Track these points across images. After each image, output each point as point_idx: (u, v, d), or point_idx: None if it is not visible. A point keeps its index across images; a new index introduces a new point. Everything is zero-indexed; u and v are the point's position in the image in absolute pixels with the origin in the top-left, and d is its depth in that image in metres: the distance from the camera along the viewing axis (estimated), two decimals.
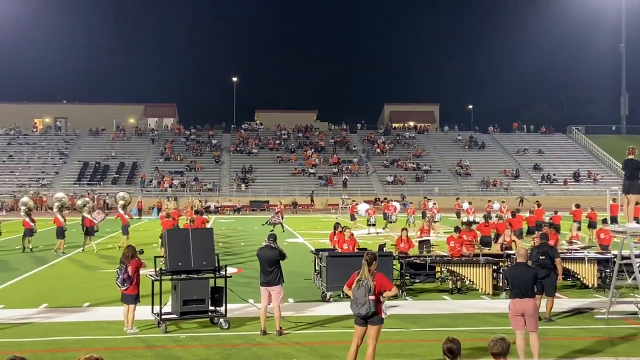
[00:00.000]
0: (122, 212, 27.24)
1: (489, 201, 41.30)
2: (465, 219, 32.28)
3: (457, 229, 18.31)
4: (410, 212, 36.88)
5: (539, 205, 30.50)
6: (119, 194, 34.05)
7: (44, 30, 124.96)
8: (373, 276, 9.27)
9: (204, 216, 27.18)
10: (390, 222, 36.65)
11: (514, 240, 19.37)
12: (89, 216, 26.39)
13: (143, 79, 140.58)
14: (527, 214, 28.93)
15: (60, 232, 25.41)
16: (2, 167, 66.11)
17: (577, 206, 29.86)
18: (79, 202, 30.96)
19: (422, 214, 36.93)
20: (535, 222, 27.42)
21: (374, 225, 34.13)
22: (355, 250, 16.41)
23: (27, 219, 26.19)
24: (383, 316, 9.50)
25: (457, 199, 43.65)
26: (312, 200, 58.00)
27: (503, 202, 39.02)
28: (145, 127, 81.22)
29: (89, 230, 25.85)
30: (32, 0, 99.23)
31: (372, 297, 9.10)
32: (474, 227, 20.91)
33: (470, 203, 40.16)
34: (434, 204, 38.81)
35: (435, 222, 35.12)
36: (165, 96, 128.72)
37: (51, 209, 42.42)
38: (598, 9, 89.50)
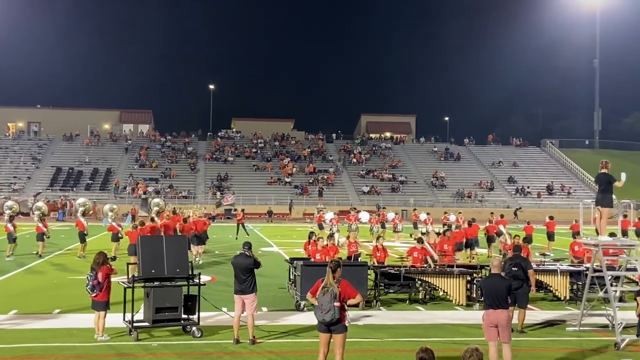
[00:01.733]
0: (82, 219, 26.85)
1: (445, 212, 41.88)
2: (423, 229, 33.08)
3: (420, 240, 18.42)
4: (373, 221, 37.79)
5: (502, 217, 30.95)
6: (79, 200, 33.83)
7: (20, 34, 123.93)
8: (338, 283, 9.31)
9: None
10: (352, 231, 37.25)
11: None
12: (113, 223, 26.07)
13: (119, 85, 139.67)
14: (487, 224, 29.41)
15: (82, 236, 25.33)
16: None
17: (551, 218, 30.30)
18: (106, 207, 30.81)
19: (413, 225, 37.91)
20: (494, 231, 28.09)
21: (338, 231, 34.49)
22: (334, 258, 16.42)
23: (40, 224, 25.91)
24: (346, 324, 9.53)
25: (414, 209, 44.04)
26: (290, 210, 57.89)
27: (460, 212, 39.49)
28: (120, 133, 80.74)
29: (81, 236, 25.58)
30: (7, 4, 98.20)
31: (337, 304, 9.16)
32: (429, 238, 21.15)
33: (428, 214, 40.96)
34: (396, 214, 39.92)
35: (397, 231, 36.83)
36: (141, 102, 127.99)
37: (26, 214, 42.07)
38: (573, 26, 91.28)
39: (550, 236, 29.51)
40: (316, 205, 54.77)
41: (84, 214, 27.38)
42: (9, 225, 25.92)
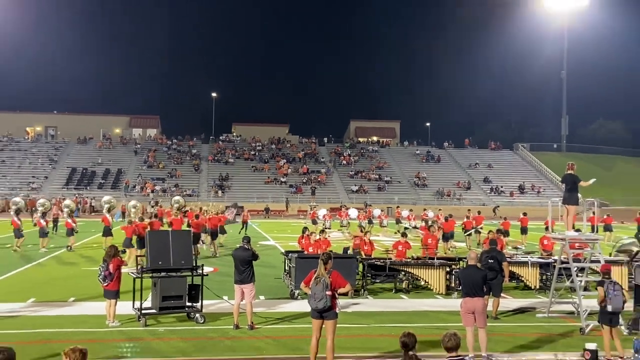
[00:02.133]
0: (107, 215, 26.78)
1: (425, 209, 42.22)
2: (406, 225, 33.47)
3: (404, 235, 18.42)
4: (361, 217, 38.50)
5: (479, 213, 31.55)
6: (104, 198, 33.64)
7: (38, 44, 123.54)
8: (329, 274, 9.33)
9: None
10: (343, 226, 37.82)
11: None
12: (136, 219, 25.92)
13: (129, 93, 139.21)
14: (464, 219, 30.06)
15: (107, 231, 25.20)
16: None
17: (524, 214, 30.95)
18: (131, 203, 30.66)
19: (396, 221, 38.35)
20: (471, 226, 28.80)
21: (329, 228, 34.73)
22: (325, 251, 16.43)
23: (69, 220, 25.82)
24: (337, 311, 9.54)
25: (397, 207, 44.18)
26: (287, 207, 57.75)
27: (439, 210, 39.75)
28: (130, 136, 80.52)
29: (107, 231, 25.36)
30: (27, 18, 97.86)
31: (328, 293, 9.19)
32: (413, 231, 21.33)
33: (410, 210, 41.42)
34: (382, 211, 40.38)
35: (382, 226, 37.42)
36: (149, 108, 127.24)
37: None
38: (543, 41, 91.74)
39: (524, 230, 30.03)
40: (309, 203, 54.80)
41: (109, 211, 27.27)
42: (42, 221, 25.87)
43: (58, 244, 26.67)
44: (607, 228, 32.37)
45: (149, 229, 19.32)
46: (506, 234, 24.74)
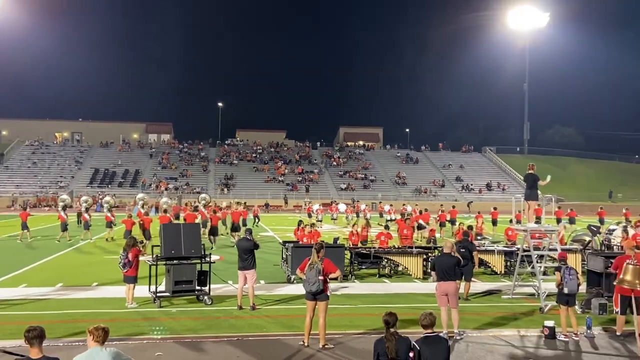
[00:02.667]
0: (142, 210, 26.61)
1: (404, 204, 42.47)
2: (388, 218, 33.84)
3: (386, 227, 18.47)
4: (349, 211, 38.82)
5: (453, 207, 32.08)
6: (138, 195, 33.64)
7: (65, 61, 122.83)
8: (322, 261, 9.33)
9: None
10: (333, 219, 38.14)
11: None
12: (108, 213, 25.89)
13: (145, 102, 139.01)
14: (439, 212, 30.61)
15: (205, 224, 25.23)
16: (27, 172, 64.53)
17: (495, 209, 32.15)
18: (163, 200, 30.50)
19: (379, 214, 38.55)
20: (444, 219, 29.54)
21: (320, 221, 34.81)
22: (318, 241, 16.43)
23: (109, 214, 25.76)
24: (328, 294, 9.55)
25: (380, 202, 44.26)
26: (285, 202, 57.57)
27: (416, 205, 39.90)
28: (147, 141, 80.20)
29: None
30: (55, 39, 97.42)
31: (321, 278, 9.21)
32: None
33: (391, 205, 41.61)
34: (366, 205, 40.57)
35: (366, 219, 36.72)
36: (163, 116, 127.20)
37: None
38: (507, 56, 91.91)
39: (494, 222, 31.05)
40: (304, 199, 54.70)
41: (142, 207, 27.16)
42: (86, 215, 25.78)
43: (79, 235, 26.50)
44: (572, 221, 32.74)
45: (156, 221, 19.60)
46: (471, 228, 25.28)
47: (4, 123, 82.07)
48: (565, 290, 10.23)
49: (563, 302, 10.31)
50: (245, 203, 33.74)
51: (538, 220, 16.94)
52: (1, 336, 9.51)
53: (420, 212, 28.47)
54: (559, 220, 35.16)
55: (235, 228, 25.24)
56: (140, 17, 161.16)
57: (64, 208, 26.42)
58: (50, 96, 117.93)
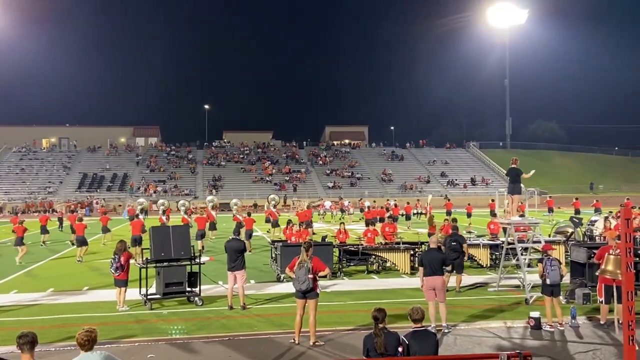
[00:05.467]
0: (163, 216, 26.40)
1: (387, 200, 43.17)
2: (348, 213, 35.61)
3: (372, 224, 18.54)
4: (333, 207, 39.23)
5: (395, 206, 34.18)
6: (159, 201, 33.47)
7: (51, 67, 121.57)
8: (311, 260, 9.33)
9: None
10: (320, 215, 39.17)
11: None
12: (186, 216, 25.53)
13: (132, 106, 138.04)
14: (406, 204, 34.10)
15: (213, 226, 25.35)
16: (15, 178, 63.82)
17: (469, 204, 34.67)
18: (181, 202, 30.34)
19: (360, 210, 38.98)
20: (376, 215, 29.93)
21: (351, 214, 36.25)
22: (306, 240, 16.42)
23: (163, 217, 25.51)
24: (318, 291, 9.55)
25: (360, 199, 44.61)
26: (285, 202, 56.49)
27: (395, 199, 41.45)
28: (134, 144, 79.70)
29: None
30: (40, 45, 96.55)
31: (310, 276, 9.20)
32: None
33: (374, 201, 42.10)
34: (349, 202, 41.03)
35: (350, 214, 38.50)
36: (151, 119, 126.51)
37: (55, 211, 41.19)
38: (488, 53, 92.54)
39: (469, 215, 32.80)
40: (291, 199, 54.56)
41: (164, 212, 26.99)
42: (163, 217, 25.51)
43: (59, 239, 26.24)
44: (550, 210, 34.25)
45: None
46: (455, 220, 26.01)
47: None
48: (548, 281, 10.33)
49: (547, 293, 10.40)
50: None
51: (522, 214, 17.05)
52: None
53: (395, 205, 30.32)
54: (550, 210, 36.00)
55: (275, 224, 25.78)
56: (125, 22, 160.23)
57: (142, 211, 26.41)
58: (37, 102, 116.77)
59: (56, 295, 13.70)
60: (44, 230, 25.03)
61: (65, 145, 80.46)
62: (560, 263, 10.76)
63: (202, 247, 21.18)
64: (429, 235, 21.36)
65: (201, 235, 22.07)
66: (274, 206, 27.96)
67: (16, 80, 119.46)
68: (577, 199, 35.78)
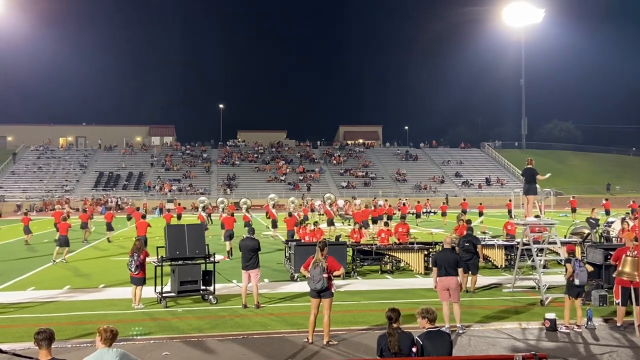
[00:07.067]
0: (203, 213, 27.05)
1: (399, 199, 44.29)
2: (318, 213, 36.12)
3: (386, 224, 18.48)
4: (347, 207, 39.66)
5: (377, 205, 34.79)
6: (200, 198, 34.11)
7: (71, 66, 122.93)
8: (325, 259, 9.32)
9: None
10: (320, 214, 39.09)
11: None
12: (224, 214, 25.70)
13: (148, 105, 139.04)
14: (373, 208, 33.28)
15: (203, 227, 25.06)
16: (33, 177, 64.58)
17: (480, 204, 35.94)
18: (219, 199, 30.86)
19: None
20: (377, 214, 31.24)
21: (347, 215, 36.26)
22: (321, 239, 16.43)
23: (204, 214, 26.64)
24: (333, 291, 9.53)
25: (374, 198, 44.65)
26: (303, 199, 56.40)
27: (406, 199, 41.53)
28: (150, 144, 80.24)
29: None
30: (59, 44, 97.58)
31: (325, 275, 9.18)
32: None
33: (386, 200, 42.33)
34: (320, 202, 41.59)
35: (320, 214, 37.70)
36: (166, 119, 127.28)
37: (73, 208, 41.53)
38: (503, 53, 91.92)
39: (480, 214, 33.96)
40: (305, 198, 54.53)
41: (204, 209, 27.36)
42: (203, 214, 26.05)
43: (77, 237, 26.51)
44: (573, 210, 36.18)
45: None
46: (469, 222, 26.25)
47: (10, 129, 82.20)
48: (577, 282, 10.19)
49: (573, 294, 10.24)
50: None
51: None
52: (11, 339, 9.52)
53: (404, 204, 31.29)
54: (574, 210, 35.91)
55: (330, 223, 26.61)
56: (141, 22, 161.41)
57: (204, 209, 26.88)
58: (54, 102, 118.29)
59: (72, 293, 13.83)
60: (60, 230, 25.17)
61: (82, 144, 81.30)
62: (586, 264, 10.66)
63: (231, 248, 20.05)
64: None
65: (229, 236, 20.79)
66: (203, 209, 28.41)
67: (35, 80, 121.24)
68: (607, 199, 36.17)
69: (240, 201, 33.69)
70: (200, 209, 27.54)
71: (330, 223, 26.87)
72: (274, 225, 25.85)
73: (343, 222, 35.00)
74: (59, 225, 20.42)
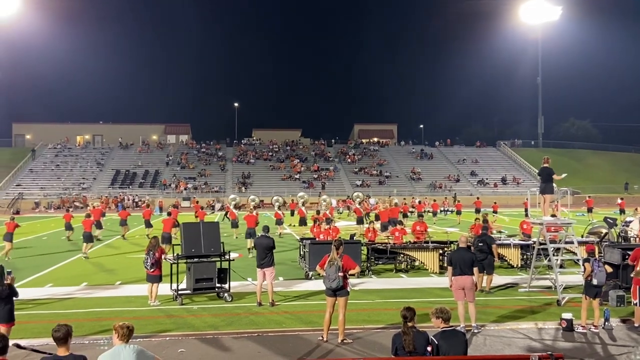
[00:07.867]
0: (234, 210, 27.73)
1: (413, 198, 43.93)
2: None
3: (400, 222, 18.44)
4: (341, 205, 39.94)
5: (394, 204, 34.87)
6: (230, 196, 34.62)
7: (88, 65, 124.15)
8: (341, 258, 9.32)
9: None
10: (340, 213, 39.17)
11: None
12: (234, 211, 26.43)
13: (164, 104, 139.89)
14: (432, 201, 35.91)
15: (234, 224, 26.05)
16: (51, 174, 65.28)
17: (495, 203, 36.49)
18: (251, 197, 31.46)
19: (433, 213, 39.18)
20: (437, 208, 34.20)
21: (341, 212, 35.96)
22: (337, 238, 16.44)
23: (234, 210, 27.01)
24: (348, 289, 9.53)
25: (389, 196, 44.85)
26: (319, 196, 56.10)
27: (424, 198, 41.96)
28: (166, 142, 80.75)
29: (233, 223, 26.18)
30: (75, 43, 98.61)
31: (340, 274, 9.18)
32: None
33: (404, 199, 42.50)
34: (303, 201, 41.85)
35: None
36: (182, 117, 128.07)
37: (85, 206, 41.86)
38: (520, 50, 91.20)
39: (495, 212, 34.12)
40: (320, 197, 54.54)
41: (235, 207, 27.68)
42: (234, 211, 26.63)
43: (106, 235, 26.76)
44: (590, 210, 35.99)
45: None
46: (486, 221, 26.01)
47: (28, 127, 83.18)
48: (595, 282, 10.10)
49: (591, 294, 10.14)
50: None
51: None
52: (29, 335, 9.65)
53: (419, 202, 30.93)
54: (590, 210, 35.73)
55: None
56: (157, 21, 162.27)
57: (237, 207, 27.33)
58: (71, 100, 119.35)
59: (90, 290, 13.98)
60: (234, 225, 25.97)
61: (99, 142, 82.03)
62: (604, 264, 10.56)
63: (252, 246, 19.27)
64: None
65: (250, 234, 20.57)
66: (235, 206, 28.67)
67: (52, 79, 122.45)
68: (622, 199, 36.12)
69: (272, 198, 34.14)
70: (231, 207, 27.89)
71: (360, 221, 27.02)
72: (302, 222, 26.40)
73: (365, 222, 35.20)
74: (83, 221, 21.38)
